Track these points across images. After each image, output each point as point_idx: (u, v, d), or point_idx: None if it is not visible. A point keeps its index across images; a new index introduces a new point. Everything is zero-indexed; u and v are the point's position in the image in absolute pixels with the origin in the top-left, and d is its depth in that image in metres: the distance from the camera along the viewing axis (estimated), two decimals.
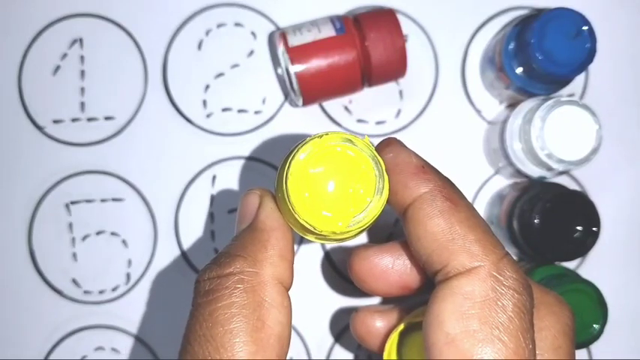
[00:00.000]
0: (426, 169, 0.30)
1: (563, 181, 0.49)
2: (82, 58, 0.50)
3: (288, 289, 0.29)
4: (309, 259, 0.50)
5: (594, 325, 0.43)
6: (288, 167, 0.28)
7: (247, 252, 0.29)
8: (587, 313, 0.43)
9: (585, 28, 0.43)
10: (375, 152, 0.29)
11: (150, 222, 0.50)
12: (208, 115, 0.50)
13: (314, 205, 0.28)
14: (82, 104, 0.50)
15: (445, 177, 0.30)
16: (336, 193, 0.29)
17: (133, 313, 0.50)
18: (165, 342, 0.50)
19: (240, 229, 0.31)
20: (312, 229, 0.29)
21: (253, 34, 0.50)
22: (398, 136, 0.50)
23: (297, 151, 0.29)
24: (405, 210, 0.30)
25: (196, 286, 0.29)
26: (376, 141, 0.50)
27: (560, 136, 0.43)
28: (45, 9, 0.50)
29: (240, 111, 0.50)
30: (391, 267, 0.34)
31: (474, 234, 0.28)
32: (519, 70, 0.45)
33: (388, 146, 0.31)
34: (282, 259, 0.29)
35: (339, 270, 0.50)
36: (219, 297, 0.27)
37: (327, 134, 0.29)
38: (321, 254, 0.50)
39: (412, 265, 0.33)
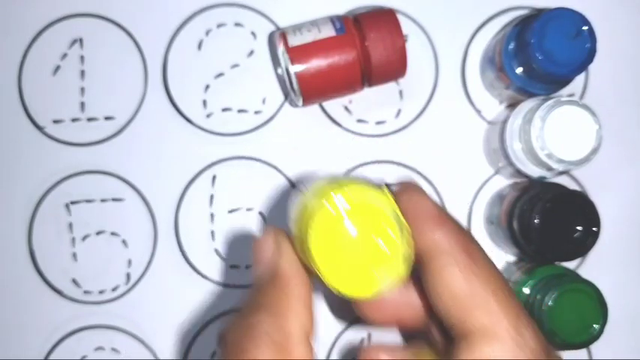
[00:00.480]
0: (444, 217, 0.30)
1: (563, 181, 0.49)
2: (82, 58, 0.50)
3: (312, 336, 0.29)
4: None
5: (594, 325, 0.43)
6: (309, 224, 0.28)
7: (271, 304, 0.29)
8: (588, 313, 0.43)
9: (585, 28, 0.43)
10: (398, 212, 0.29)
11: (150, 222, 0.50)
12: (208, 115, 0.50)
13: (336, 266, 0.28)
14: (82, 104, 0.50)
15: (462, 227, 0.30)
16: (357, 254, 0.29)
17: (133, 313, 0.50)
18: (165, 342, 0.50)
19: (258, 274, 0.31)
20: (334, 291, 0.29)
21: (253, 34, 0.50)
22: (398, 136, 0.51)
23: (319, 205, 0.28)
24: (420, 257, 0.30)
25: (221, 340, 0.29)
26: (376, 142, 0.50)
27: (560, 136, 0.43)
28: (45, 9, 0.50)
29: (240, 111, 0.50)
30: (387, 299, 0.33)
31: (492, 291, 0.28)
32: (519, 70, 0.45)
33: (406, 191, 0.31)
34: (304, 307, 0.29)
35: None
36: (246, 351, 0.27)
37: (347, 184, 0.29)
38: None
39: (408, 302, 0.33)
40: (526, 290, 0.45)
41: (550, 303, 0.42)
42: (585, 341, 0.43)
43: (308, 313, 0.29)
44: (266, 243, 0.31)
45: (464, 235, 0.30)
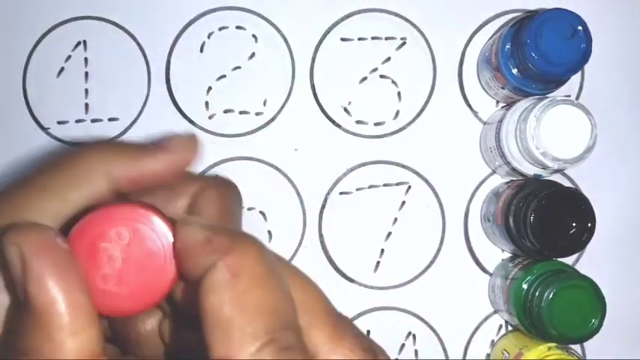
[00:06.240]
0: (213, 239, 0.22)
1: (558, 180, 0.50)
2: (86, 60, 0.51)
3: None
4: (311, 258, 0.51)
5: (593, 320, 0.43)
6: None
7: (28, 347, 0.20)
8: (586, 308, 0.43)
9: (581, 28, 0.43)
10: None
11: None
12: (210, 117, 0.51)
13: None
14: (87, 105, 0.51)
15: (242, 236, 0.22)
16: None
17: None
18: None
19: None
20: None
21: (254, 37, 0.51)
22: (396, 137, 0.51)
23: None
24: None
25: None
26: (375, 142, 0.51)
27: (555, 134, 0.43)
28: (49, 12, 0.51)
29: (241, 112, 0.51)
30: None
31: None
32: (515, 70, 0.46)
33: (176, 233, 0.23)
34: (75, 336, 0.20)
35: (340, 269, 0.51)
36: None
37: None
38: (322, 254, 0.51)
39: None
40: (524, 286, 0.45)
41: (549, 299, 0.43)
42: (584, 336, 0.43)
43: (85, 337, 0.21)
44: (10, 260, 0.21)
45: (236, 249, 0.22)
